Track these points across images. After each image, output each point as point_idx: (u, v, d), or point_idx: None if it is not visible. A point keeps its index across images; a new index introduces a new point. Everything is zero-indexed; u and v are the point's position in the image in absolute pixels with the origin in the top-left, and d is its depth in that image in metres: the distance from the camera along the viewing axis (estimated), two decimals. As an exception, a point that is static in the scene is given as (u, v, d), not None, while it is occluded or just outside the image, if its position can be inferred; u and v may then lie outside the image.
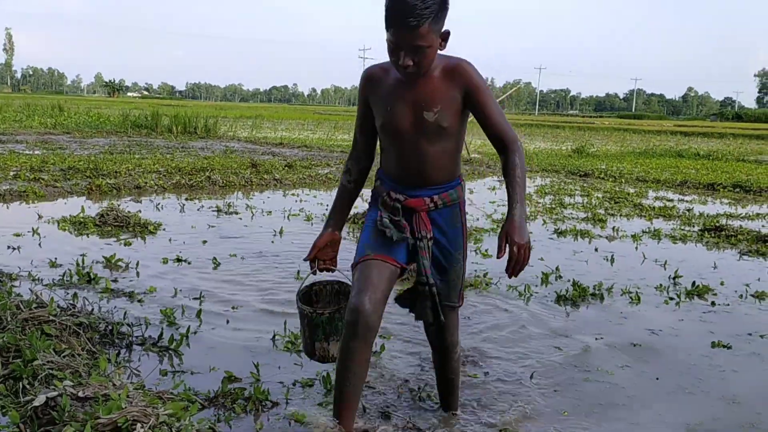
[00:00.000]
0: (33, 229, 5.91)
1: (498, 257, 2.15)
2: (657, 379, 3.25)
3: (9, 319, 3.14)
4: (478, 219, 7.61)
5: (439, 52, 2.18)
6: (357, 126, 2.45)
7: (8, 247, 5.27)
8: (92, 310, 3.57)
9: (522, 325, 3.97)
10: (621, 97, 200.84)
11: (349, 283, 2.41)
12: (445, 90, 2.20)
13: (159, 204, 7.73)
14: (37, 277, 4.40)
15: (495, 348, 3.55)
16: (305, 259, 2.50)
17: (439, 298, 2.36)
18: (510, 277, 2.16)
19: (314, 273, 2.52)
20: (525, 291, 4.65)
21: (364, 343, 2.19)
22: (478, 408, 2.83)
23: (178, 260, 5.09)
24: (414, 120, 2.23)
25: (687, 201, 10.02)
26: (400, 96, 2.24)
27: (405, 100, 2.23)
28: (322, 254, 2.47)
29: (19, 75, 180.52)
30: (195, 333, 3.56)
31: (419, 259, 2.32)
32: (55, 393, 2.43)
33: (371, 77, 2.32)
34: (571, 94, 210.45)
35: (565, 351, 3.57)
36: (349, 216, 2.58)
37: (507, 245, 2.13)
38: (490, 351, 3.51)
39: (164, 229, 6.24)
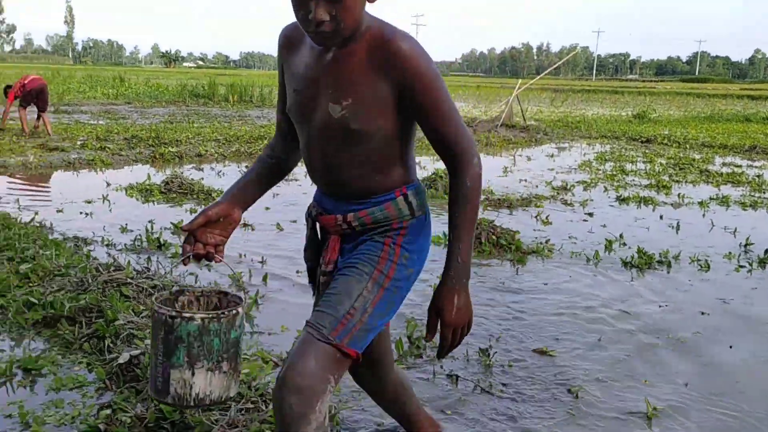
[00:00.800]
0: (103, 195, 6.13)
1: (426, 340, 1.60)
2: (731, 347, 3.17)
3: (90, 281, 3.27)
4: (537, 186, 7.51)
5: (366, 8, 1.48)
6: (278, 100, 1.72)
7: (81, 213, 5.48)
8: (165, 273, 3.69)
9: (588, 292, 3.92)
10: (684, 60, 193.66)
11: (239, 294, 1.69)
12: (366, 77, 1.47)
13: (220, 171, 7.89)
14: (110, 242, 4.56)
15: (563, 316, 3.53)
16: (183, 229, 1.61)
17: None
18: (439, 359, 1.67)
19: (185, 262, 1.61)
20: (595, 257, 4.58)
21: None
22: (551, 375, 2.82)
23: (244, 225, 5.20)
24: (319, 111, 1.52)
25: (756, 167, 9.65)
26: (310, 73, 1.54)
27: (313, 81, 1.53)
28: (204, 233, 1.60)
29: (79, 47, 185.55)
30: (263, 296, 3.64)
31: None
32: (138, 351, 2.54)
33: (289, 38, 1.61)
34: (630, 58, 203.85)
35: (633, 318, 3.51)
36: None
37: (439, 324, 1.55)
38: (559, 321, 3.48)
39: (227, 196, 6.36)
